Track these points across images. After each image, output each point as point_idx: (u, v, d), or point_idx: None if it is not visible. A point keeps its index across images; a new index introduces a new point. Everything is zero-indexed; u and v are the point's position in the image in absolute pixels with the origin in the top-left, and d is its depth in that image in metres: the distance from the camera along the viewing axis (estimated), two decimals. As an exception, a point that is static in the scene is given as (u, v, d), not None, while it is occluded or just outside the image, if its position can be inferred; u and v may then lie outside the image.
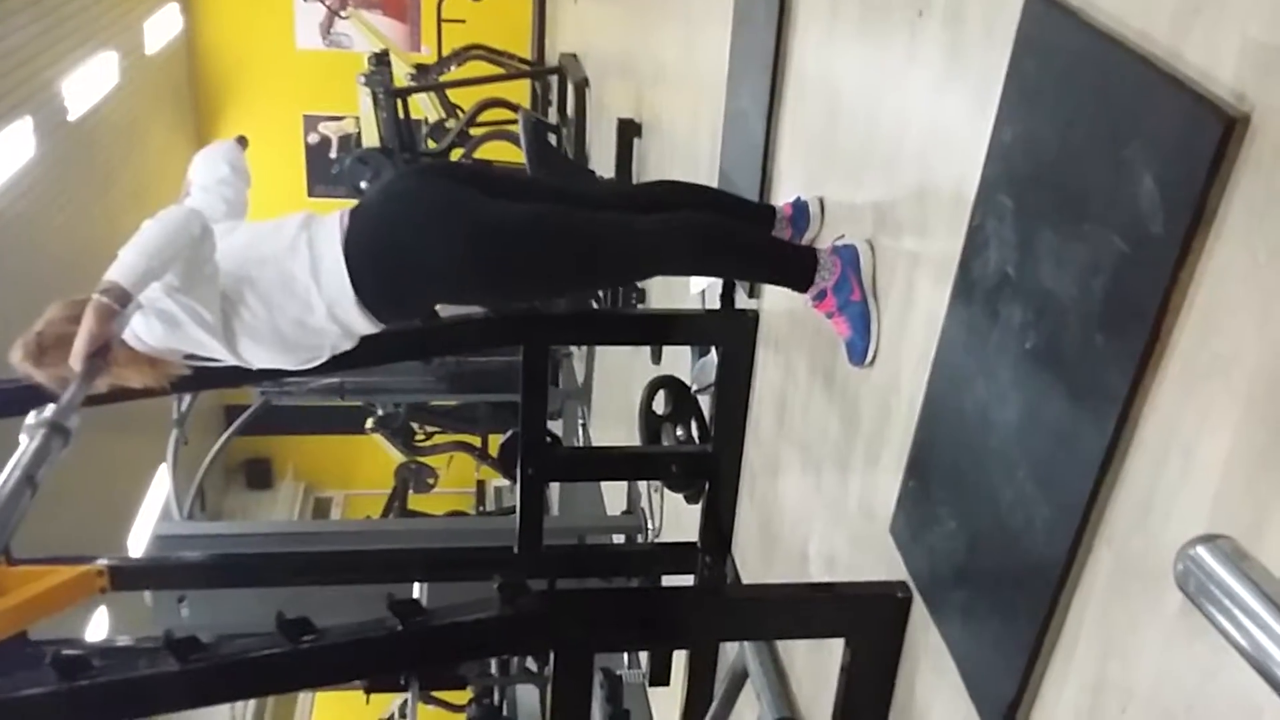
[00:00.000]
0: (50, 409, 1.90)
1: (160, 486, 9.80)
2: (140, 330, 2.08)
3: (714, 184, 3.37)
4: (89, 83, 9.61)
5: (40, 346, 2.05)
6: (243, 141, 2.55)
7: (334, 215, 2.18)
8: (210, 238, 2.08)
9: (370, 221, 2.18)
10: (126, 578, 3.14)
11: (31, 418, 1.88)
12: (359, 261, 2.11)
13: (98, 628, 8.13)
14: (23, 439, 1.86)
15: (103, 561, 3.02)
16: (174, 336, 2.11)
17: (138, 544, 8.91)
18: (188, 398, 6.19)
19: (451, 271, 2.15)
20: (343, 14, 10.84)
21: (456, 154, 8.07)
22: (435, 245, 2.13)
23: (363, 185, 8.04)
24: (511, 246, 2.17)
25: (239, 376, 2.31)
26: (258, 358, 2.20)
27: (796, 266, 2.27)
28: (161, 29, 11.69)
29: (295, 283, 2.11)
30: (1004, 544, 1.63)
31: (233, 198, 2.25)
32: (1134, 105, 1.33)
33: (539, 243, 2.19)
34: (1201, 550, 1.03)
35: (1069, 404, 1.47)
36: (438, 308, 2.51)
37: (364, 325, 2.19)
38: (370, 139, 8.30)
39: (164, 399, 5.90)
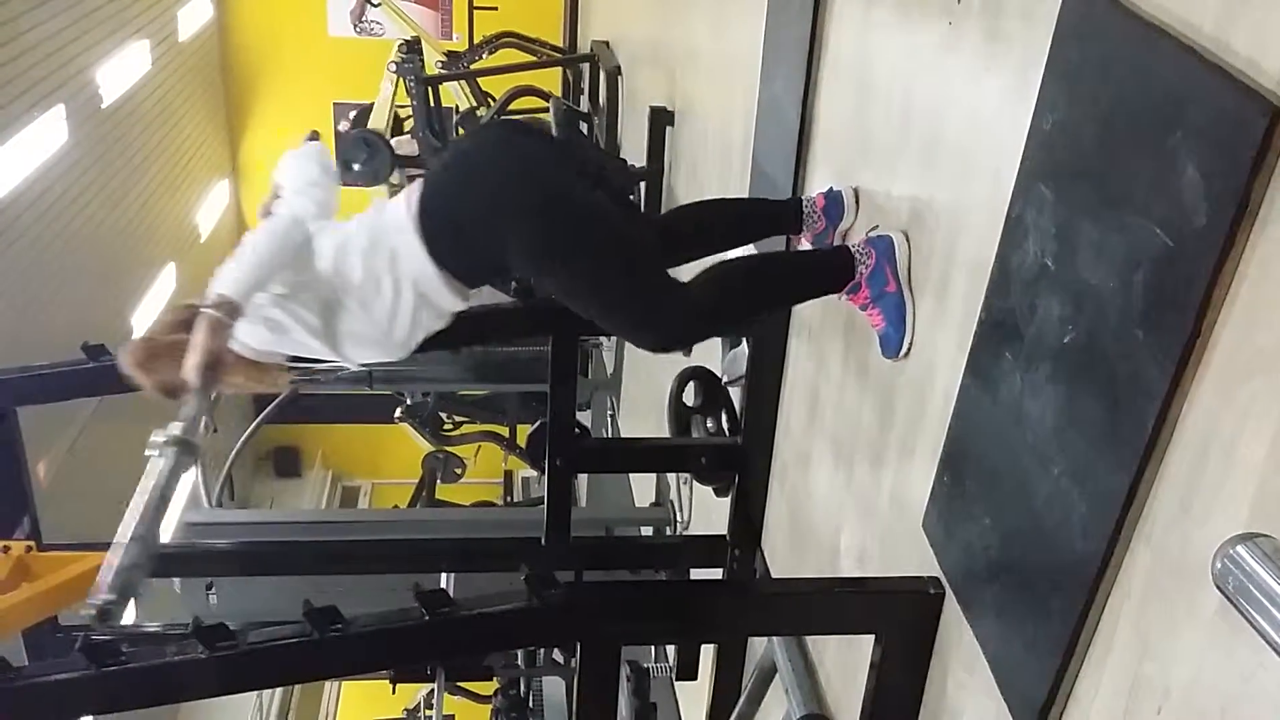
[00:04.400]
0: (174, 427, 1.90)
1: (189, 474, 9.87)
2: (245, 336, 2.09)
3: (747, 173, 3.36)
4: (122, 70, 9.69)
5: (150, 354, 2.06)
6: (316, 135, 2.56)
7: (402, 193, 2.17)
8: (310, 244, 2.10)
9: (442, 173, 2.17)
10: (155, 564, 3.15)
11: (158, 436, 1.87)
12: (430, 222, 2.09)
13: (127, 614, 8.20)
14: (150, 455, 1.88)
15: (133, 547, 3.03)
16: (279, 341, 2.14)
17: (167, 531, 8.98)
18: (218, 385, 6.22)
19: (522, 217, 2.08)
20: (374, 1, 10.85)
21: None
22: (507, 185, 2.09)
23: (355, 166, 7.96)
24: (585, 220, 2.13)
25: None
26: (361, 355, 2.22)
27: (835, 272, 2.25)
28: (194, 16, 11.77)
29: (381, 274, 2.11)
30: (1039, 541, 1.61)
31: (324, 199, 2.25)
32: (1178, 95, 1.31)
33: (608, 231, 2.15)
34: (1241, 549, 1.02)
35: (1107, 399, 1.45)
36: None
37: (451, 299, 2.16)
38: (378, 123, 8.27)
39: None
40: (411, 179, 8.05)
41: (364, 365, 2.29)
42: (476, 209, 2.09)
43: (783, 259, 2.44)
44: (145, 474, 1.85)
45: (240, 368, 2.11)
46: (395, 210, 2.13)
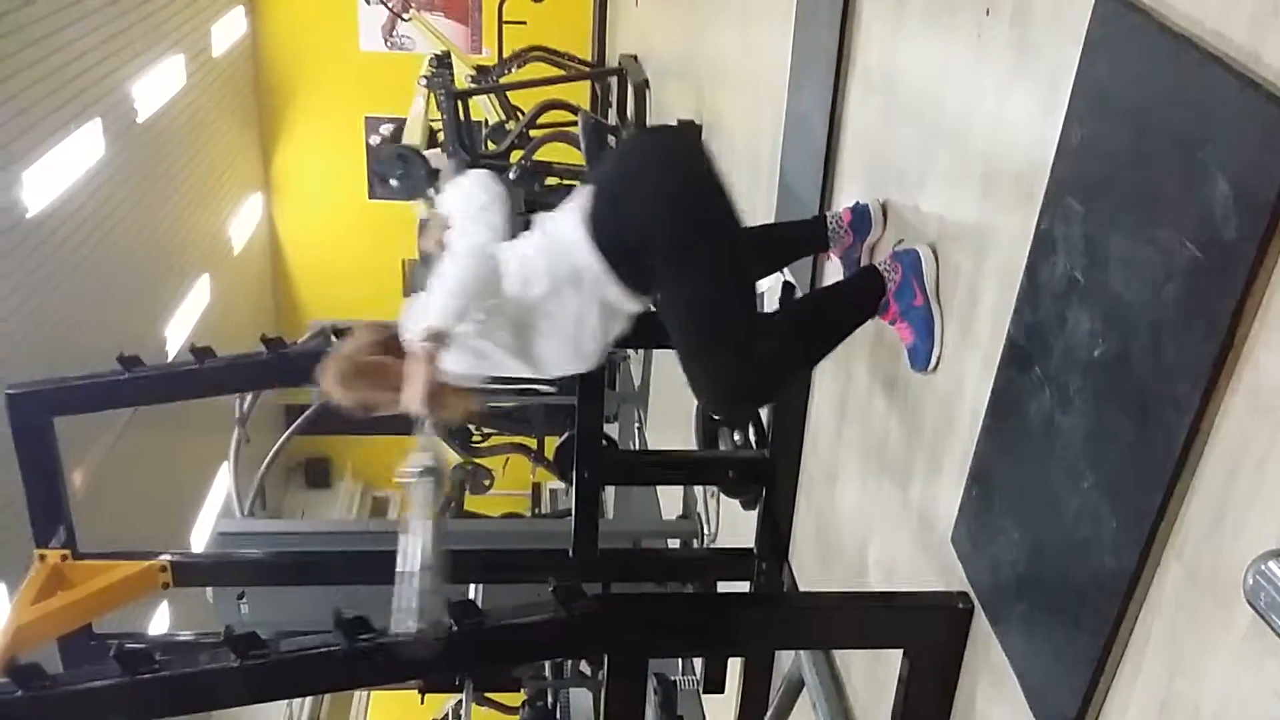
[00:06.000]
0: (423, 457, 2.02)
1: (222, 484, 9.97)
2: (448, 363, 2.15)
3: (774, 186, 3.36)
4: (157, 85, 9.81)
5: (354, 372, 2.16)
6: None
7: (570, 203, 2.22)
8: (499, 269, 2.15)
9: (609, 174, 2.22)
10: (188, 573, 3.18)
11: (410, 467, 1.98)
12: (599, 220, 2.13)
13: (160, 622, 8.28)
14: (408, 485, 1.99)
15: (165, 557, 3.07)
16: (479, 365, 2.21)
17: (200, 540, 9.08)
18: (249, 397, 6.28)
19: (666, 215, 2.12)
20: (405, 16, 10.94)
21: (516, 156, 8.10)
22: (663, 181, 2.14)
23: (392, 182, 8.06)
24: (731, 244, 2.17)
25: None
26: (558, 368, 2.28)
27: (872, 299, 2.26)
28: (228, 32, 11.91)
29: (563, 287, 2.15)
30: (1069, 556, 1.60)
31: (496, 224, 2.31)
32: (1208, 108, 1.30)
33: (730, 246, 2.18)
34: (1273, 565, 1.01)
35: (1138, 413, 1.44)
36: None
37: (629, 301, 2.19)
38: (412, 138, 8.33)
39: (228, 398, 6.00)
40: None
41: (559, 377, 2.35)
42: (633, 209, 2.13)
43: (821, 308, 2.43)
44: (412, 501, 1.94)
45: (450, 395, 2.18)
46: (566, 221, 2.17)
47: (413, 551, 1.85)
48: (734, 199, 2.19)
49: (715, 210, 2.16)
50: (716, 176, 2.18)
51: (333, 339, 2.99)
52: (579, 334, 2.19)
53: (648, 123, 6.80)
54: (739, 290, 2.17)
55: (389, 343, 2.15)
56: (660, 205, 2.11)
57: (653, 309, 2.25)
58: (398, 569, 1.85)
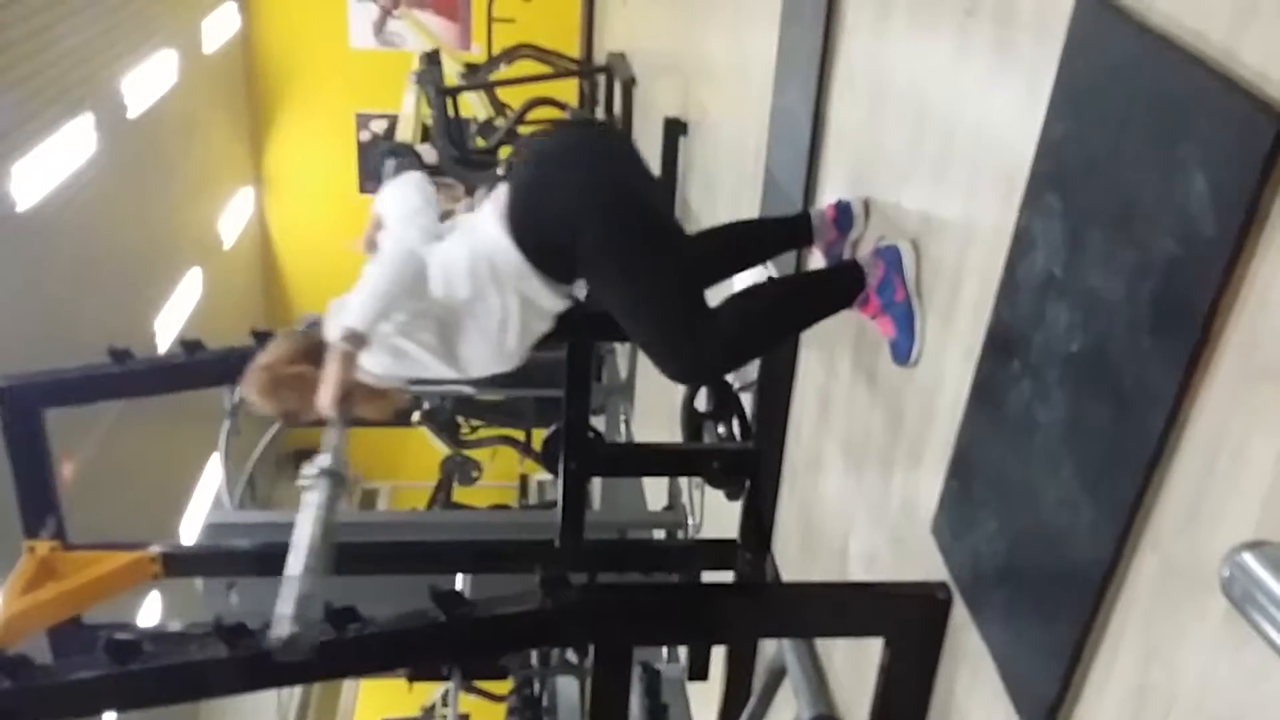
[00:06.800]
0: (323, 459, 2.01)
1: (212, 475, 9.95)
2: (369, 364, 2.16)
3: (759, 183, 3.38)
4: (149, 81, 9.78)
5: (275, 383, 2.17)
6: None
7: (489, 200, 2.23)
8: (425, 271, 2.15)
9: (525, 170, 2.21)
10: (178, 564, 3.19)
11: (309, 469, 1.97)
12: (517, 221, 2.13)
13: (150, 613, 8.27)
14: (303, 489, 1.98)
15: (156, 548, 3.07)
16: (400, 365, 2.21)
17: (190, 531, 9.07)
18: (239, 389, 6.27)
19: (598, 210, 2.13)
20: (395, 13, 10.94)
21: (504, 152, 8.11)
22: (590, 178, 2.14)
23: (384, 179, 8.15)
24: (655, 226, 2.18)
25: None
26: (478, 369, 2.27)
27: (847, 289, 2.27)
28: (219, 28, 11.87)
29: (485, 286, 2.15)
30: (1047, 546, 1.62)
31: (428, 226, 2.32)
32: (1187, 106, 1.32)
33: (671, 244, 2.20)
34: (1248, 556, 1.02)
35: (1115, 405, 1.46)
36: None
37: (551, 298, 2.19)
38: (405, 135, 8.36)
39: (218, 390, 5.99)
40: (441, 185, 8.17)
41: (480, 377, 2.34)
42: (557, 200, 2.13)
43: (795, 286, 2.45)
44: (302, 505, 1.93)
45: (365, 395, 2.18)
46: (485, 219, 2.18)
47: (296, 554, 1.83)
48: (655, 183, 2.20)
49: (639, 195, 2.17)
50: (639, 163, 2.19)
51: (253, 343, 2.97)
52: (501, 333, 2.19)
53: (634, 119, 6.81)
54: (673, 271, 2.17)
55: (311, 350, 2.15)
56: (586, 195, 2.12)
57: (581, 300, 2.27)
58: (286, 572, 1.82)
